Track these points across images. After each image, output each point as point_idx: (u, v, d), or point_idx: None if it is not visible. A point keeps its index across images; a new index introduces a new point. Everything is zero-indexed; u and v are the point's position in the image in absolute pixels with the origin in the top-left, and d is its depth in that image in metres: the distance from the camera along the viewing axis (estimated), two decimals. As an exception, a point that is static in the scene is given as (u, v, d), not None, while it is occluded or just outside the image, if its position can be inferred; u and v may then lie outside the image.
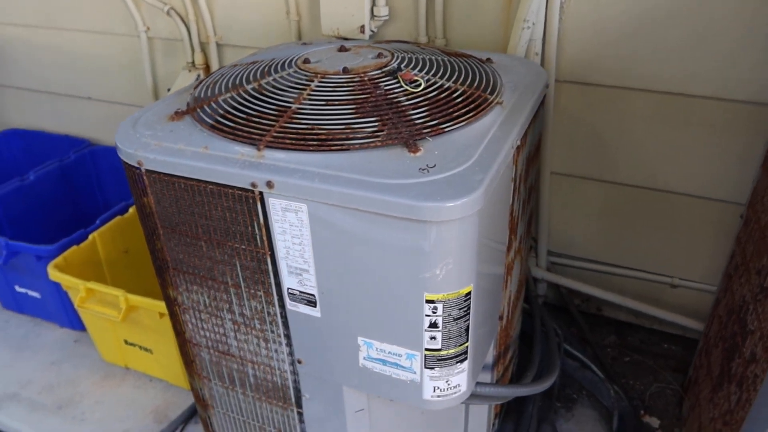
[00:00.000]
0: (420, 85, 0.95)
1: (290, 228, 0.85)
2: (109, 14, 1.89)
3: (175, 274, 1.02)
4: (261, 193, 0.84)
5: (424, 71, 1.00)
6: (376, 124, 0.88)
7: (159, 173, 0.91)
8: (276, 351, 1.02)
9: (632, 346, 1.66)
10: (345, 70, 0.99)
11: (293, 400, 1.07)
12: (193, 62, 1.83)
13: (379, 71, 0.99)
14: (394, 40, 1.27)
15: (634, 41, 1.32)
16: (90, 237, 1.63)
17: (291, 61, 1.06)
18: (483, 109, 0.94)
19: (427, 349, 0.88)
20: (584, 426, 1.45)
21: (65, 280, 1.49)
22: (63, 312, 1.75)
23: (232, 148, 0.88)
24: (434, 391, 0.92)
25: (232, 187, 0.86)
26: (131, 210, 1.75)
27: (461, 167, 0.81)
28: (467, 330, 0.88)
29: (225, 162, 0.85)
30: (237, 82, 1.02)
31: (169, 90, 1.90)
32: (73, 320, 1.75)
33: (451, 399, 0.94)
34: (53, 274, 1.51)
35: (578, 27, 1.36)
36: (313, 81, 0.97)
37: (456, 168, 0.80)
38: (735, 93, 1.28)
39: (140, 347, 1.56)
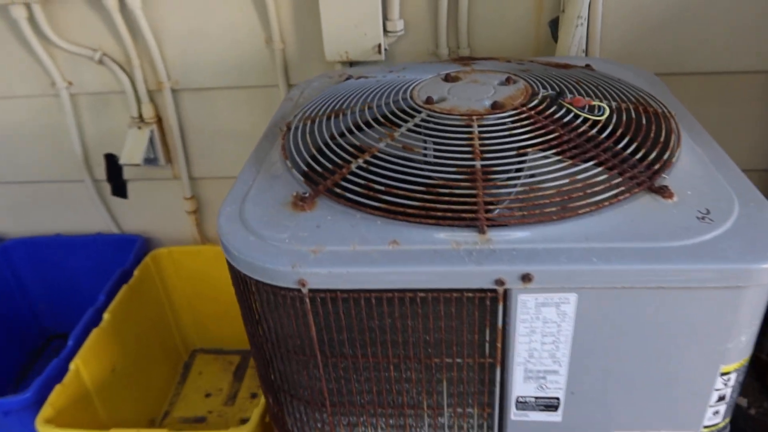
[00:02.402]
0: (605, 111, 0.78)
1: (542, 326, 0.65)
2: (12, 71, 1.45)
3: (336, 412, 0.76)
4: (506, 291, 0.62)
5: (576, 93, 0.83)
6: (599, 169, 0.69)
7: (331, 291, 0.64)
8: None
9: None
10: (496, 105, 0.79)
11: None
12: (140, 116, 1.47)
13: (537, 101, 0.80)
14: (469, 58, 1.07)
15: (673, 26, 1.26)
16: (72, 366, 1.23)
17: (402, 100, 0.83)
18: (674, 127, 0.79)
19: (705, 426, 0.73)
20: None
21: (63, 436, 1.10)
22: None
23: (433, 236, 0.64)
24: (697, 467, 0.77)
25: (455, 291, 0.63)
26: (106, 317, 1.36)
27: (734, 207, 0.66)
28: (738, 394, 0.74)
29: (442, 259, 0.62)
30: (357, 142, 0.78)
31: (116, 158, 1.51)
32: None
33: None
34: (46, 431, 1.11)
35: (619, 17, 1.27)
36: (471, 126, 0.76)
37: (730, 209, 0.65)
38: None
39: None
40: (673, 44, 1.29)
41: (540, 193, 0.66)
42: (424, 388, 0.72)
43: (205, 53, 1.39)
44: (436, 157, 0.72)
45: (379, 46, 1.28)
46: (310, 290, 0.64)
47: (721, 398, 0.70)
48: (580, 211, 0.64)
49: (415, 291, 0.63)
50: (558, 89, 0.82)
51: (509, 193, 0.66)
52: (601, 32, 1.27)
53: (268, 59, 1.38)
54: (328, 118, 0.85)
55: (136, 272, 1.50)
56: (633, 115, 0.79)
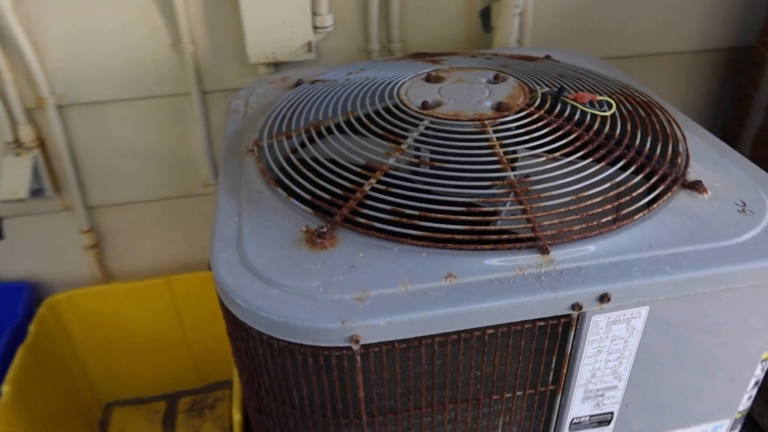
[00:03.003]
0: (611, 106, 0.75)
1: (610, 344, 0.60)
2: None
3: (378, 474, 0.66)
4: (581, 314, 0.57)
5: (569, 88, 0.79)
6: (632, 169, 0.66)
7: (387, 343, 0.54)
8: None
9: None
10: (501, 107, 0.73)
11: None
12: (16, 141, 1.21)
13: (540, 100, 0.75)
14: (431, 54, 0.99)
15: (597, 13, 1.29)
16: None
17: (394, 107, 0.74)
18: (670, 116, 0.79)
19: (738, 412, 0.73)
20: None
21: None
22: None
23: (489, 264, 0.57)
24: (723, 450, 0.78)
25: (526, 322, 0.56)
26: (5, 390, 1.11)
27: (762, 196, 0.66)
28: (759, 371, 0.76)
29: (510, 289, 0.55)
30: (361, 160, 0.67)
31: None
32: None
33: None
34: None
35: (549, 5, 1.27)
36: (486, 131, 0.69)
37: (760, 199, 0.66)
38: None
39: None
40: (597, 30, 1.32)
41: (589, 202, 0.61)
42: (479, 426, 0.64)
43: (96, 60, 1.17)
44: (459, 170, 0.64)
45: (310, 44, 1.16)
46: (363, 346, 0.54)
47: (756, 383, 0.71)
48: (635, 218, 0.60)
49: (483, 329, 0.55)
50: (555, 86, 0.78)
51: (556, 206, 0.61)
52: (533, 22, 1.26)
53: (176, 64, 1.20)
54: (309, 133, 0.73)
55: (31, 327, 1.25)
56: (630, 107, 0.77)
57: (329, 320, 0.52)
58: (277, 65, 1.21)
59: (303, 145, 0.72)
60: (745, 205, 0.64)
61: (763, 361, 0.68)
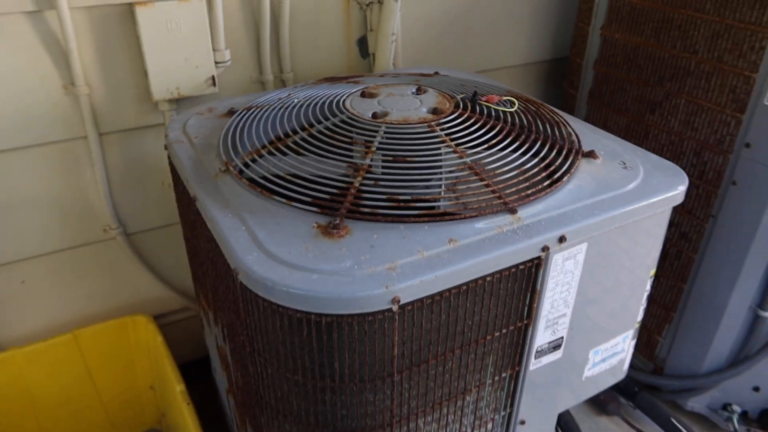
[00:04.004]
0: (514, 103, 0.95)
1: (563, 278, 0.78)
2: None
3: (411, 415, 0.76)
4: (547, 255, 0.74)
5: (464, 93, 0.99)
6: (547, 147, 0.86)
7: (414, 302, 0.66)
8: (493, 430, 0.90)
9: None
10: (437, 111, 0.89)
11: (501, 472, 0.96)
12: None
13: (463, 105, 0.93)
14: (352, 76, 1.12)
15: (448, 37, 1.54)
16: None
17: (350, 119, 0.86)
18: (550, 108, 1.01)
19: (637, 322, 0.97)
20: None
21: None
22: None
23: (477, 227, 0.72)
24: (627, 357, 1.02)
25: (512, 267, 0.72)
26: None
27: (633, 157, 0.90)
28: (642, 290, 1.01)
29: (499, 242, 0.70)
30: (342, 163, 0.78)
31: None
32: None
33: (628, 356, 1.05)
34: None
35: (414, 32, 1.47)
36: (435, 131, 0.84)
37: (633, 159, 0.90)
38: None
39: None
40: (451, 51, 1.56)
41: (531, 173, 0.79)
42: (476, 368, 0.78)
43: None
44: (426, 161, 0.79)
45: (213, 78, 1.22)
46: (401, 305, 0.65)
47: (647, 297, 0.95)
48: (564, 180, 0.80)
49: (483, 277, 0.70)
50: (466, 93, 0.96)
51: (509, 178, 0.78)
52: (403, 46, 1.46)
53: (70, 108, 1.18)
54: (277, 148, 0.82)
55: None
56: (522, 104, 0.98)
57: (375, 288, 0.63)
58: (179, 101, 1.24)
59: (281, 158, 0.81)
60: (625, 164, 0.87)
61: (650, 278, 0.92)
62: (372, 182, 0.75)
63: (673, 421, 1.37)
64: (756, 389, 1.41)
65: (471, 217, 0.72)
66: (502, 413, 0.88)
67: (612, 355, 0.96)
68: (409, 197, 0.73)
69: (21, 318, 1.32)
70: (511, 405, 0.87)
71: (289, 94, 1.01)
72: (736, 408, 1.42)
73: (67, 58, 1.12)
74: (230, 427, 1.20)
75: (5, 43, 1.07)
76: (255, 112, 0.94)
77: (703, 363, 1.40)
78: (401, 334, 0.68)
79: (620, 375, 1.01)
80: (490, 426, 0.88)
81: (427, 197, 0.73)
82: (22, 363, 1.27)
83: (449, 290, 0.68)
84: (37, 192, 1.22)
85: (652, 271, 0.92)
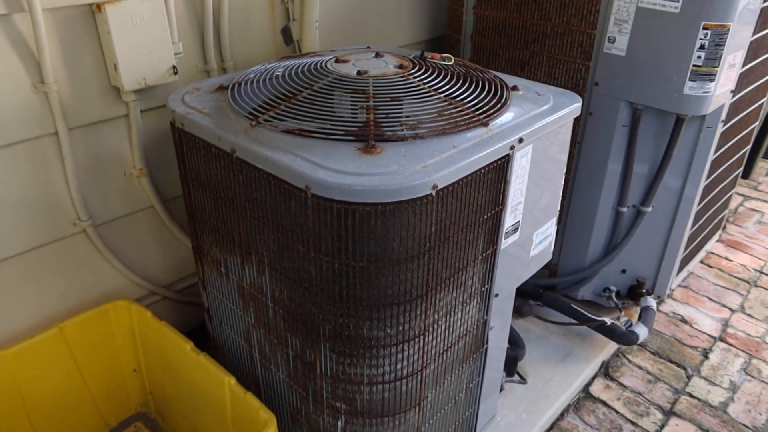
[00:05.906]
0: (451, 59, 1.24)
1: (520, 171, 1.09)
2: None
3: (435, 295, 1.01)
4: (513, 153, 1.04)
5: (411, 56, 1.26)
6: (493, 84, 1.17)
7: (446, 187, 0.92)
8: (478, 303, 1.18)
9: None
10: (402, 66, 1.15)
11: (483, 340, 1.25)
12: None
13: (417, 61, 1.20)
14: (307, 54, 1.32)
15: (349, 19, 1.80)
16: None
17: (341, 77, 1.09)
18: (468, 62, 1.33)
19: (558, 210, 1.31)
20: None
21: None
22: None
23: (468, 136, 1.00)
24: (552, 241, 1.36)
25: (498, 160, 1.01)
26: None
27: (544, 89, 1.25)
28: (554, 190, 1.36)
29: (489, 144, 0.99)
30: (356, 106, 1.01)
31: None
32: None
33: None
34: None
35: (329, 18, 1.71)
36: (409, 78, 1.10)
37: (544, 89, 1.24)
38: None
39: None
40: (350, 36, 1.82)
41: (486, 101, 1.09)
42: (473, 246, 1.06)
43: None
44: (416, 98, 1.05)
45: (174, 67, 1.36)
46: (439, 190, 0.91)
47: (561, 184, 1.30)
48: (507, 104, 1.11)
49: (480, 169, 0.98)
50: (419, 54, 1.24)
51: (473, 106, 1.07)
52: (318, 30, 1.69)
53: (38, 105, 1.24)
54: (292, 103, 1.03)
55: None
56: (449, 60, 1.28)
57: (421, 178, 0.88)
58: (143, 91, 1.35)
59: (299, 107, 1.01)
60: (538, 93, 1.21)
61: (563, 175, 1.27)
62: (383, 115, 0.99)
63: (574, 306, 1.77)
64: (623, 271, 1.87)
65: (460, 130, 1.00)
66: (485, 287, 1.16)
67: (545, 238, 1.30)
68: (415, 122, 0.99)
69: (0, 321, 1.33)
70: (491, 279, 1.17)
71: (269, 67, 1.21)
72: (613, 288, 1.87)
73: (39, 58, 1.19)
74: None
75: (-26, 45, 1.12)
76: (252, 81, 1.13)
77: (586, 258, 1.83)
78: (437, 214, 0.93)
79: (548, 256, 1.36)
80: (477, 300, 1.16)
81: (429, 119, 1.00)
82: (11, 362, 1.29)
83: (460, 181, 0.95)
84: (3, 193, 1.25)
85: (564, 170, 1.27)
